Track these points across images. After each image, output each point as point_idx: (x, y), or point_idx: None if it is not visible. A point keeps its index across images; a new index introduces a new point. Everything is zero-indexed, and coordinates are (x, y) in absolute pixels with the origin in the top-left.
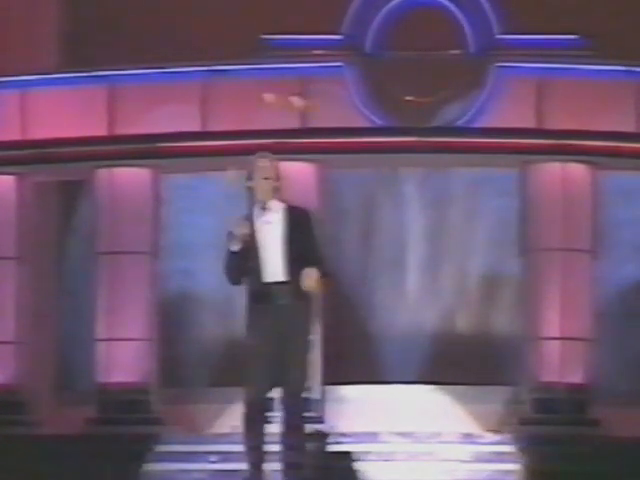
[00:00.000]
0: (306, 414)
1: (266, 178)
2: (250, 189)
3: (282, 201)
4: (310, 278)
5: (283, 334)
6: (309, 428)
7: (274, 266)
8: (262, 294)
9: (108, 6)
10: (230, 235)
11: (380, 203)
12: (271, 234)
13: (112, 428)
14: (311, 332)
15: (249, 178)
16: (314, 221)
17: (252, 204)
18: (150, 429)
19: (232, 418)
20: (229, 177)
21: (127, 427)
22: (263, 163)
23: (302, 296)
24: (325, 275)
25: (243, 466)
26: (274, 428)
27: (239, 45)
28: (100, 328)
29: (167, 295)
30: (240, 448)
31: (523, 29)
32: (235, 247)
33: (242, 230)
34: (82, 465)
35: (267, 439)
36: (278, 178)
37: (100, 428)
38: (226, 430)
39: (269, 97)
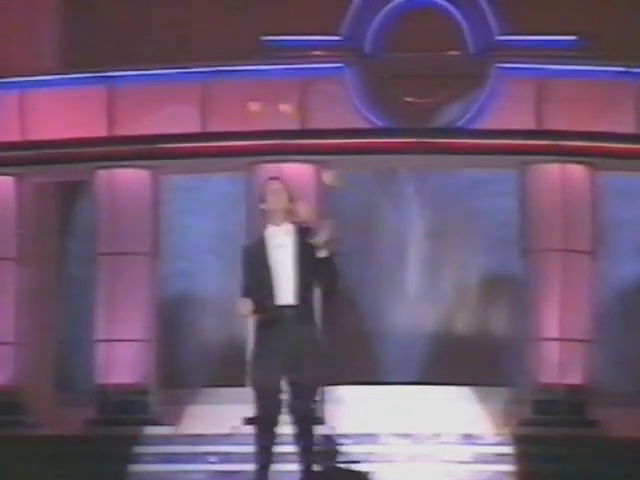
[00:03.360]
0: (315, 417)
1: (279, 201)
2: (262, 212)
3: (294, 223)
4: (321, 234)
5: (293, 356)
6: (316, 430)
7: (285, 289)
8: (273, 317)
9: (108, 7)
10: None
11: (380, 204)
12: (283, 257)
13: (111, 429)
14: (320, 353)
15: (261, 201)
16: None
17: (265, 226)
18: (149, 430)
19: (232, 419)
20: (330, 177)
21: (126, 428)
22: (275, 185)
23: (311, 319)
24: (335, 287)
25: (244, 467)
26: (285, 430)
27: (239, 46)
28: (100, 329)
29: (167, 296)
30: (240, 449)
31: (522, 30)
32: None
33: (245, 311)
34: (81, 466)
35: (277, 441)
36: (291, 200)
37: (99, 429)
38: (226, 431)
39: (254, 106)
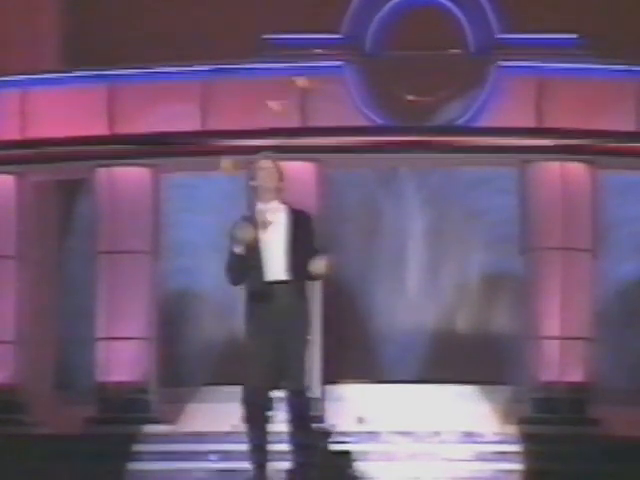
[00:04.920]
0: (311, 413)
1: (269, 179)
2: (253, 189)
3: (284, 202)
4: (320, 263)
5: (282, 333)
6: (314, 427)
7: (276, 265)
8: (263, 293)
9: (108, 6)
10: (234, 237)
11: (380, 202)
12: (273, 234)
13: (112, 427)
14: (310, 331)
15: (252, 178)
16: (314, 224)
17: (254, 204)
18: (150, 428)
19: (232, 417)
20: (225, 164)
21: (127, 426)
22: (266, 164)
23: (302, 296)
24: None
25: (243, 465)
26: (279, 427)
27: (240, 44)
28: (100, 327)
29: (167, 294)
30: (240, 447)
31: (523, 28)
32: (239, 250)
33: (248, 235)
34: (82, 464)
35: (270, 438)
36: (281, 179)
37: (100, 427)
38: (226, 429)
39: (273, 105)
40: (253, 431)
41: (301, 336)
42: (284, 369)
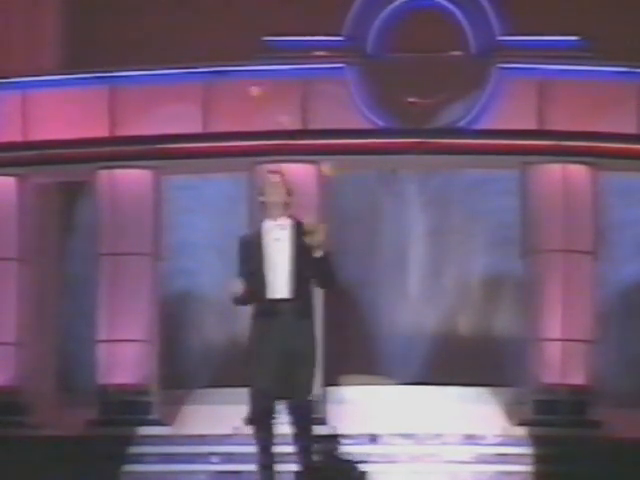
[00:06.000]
0: (313, 416)
1: (277, 195)
2: (261, 204)
3: (291, 217)
4: (310, 229)
5: (288, 350)
6: (316, 430)
7: (281, 283)
8: (268, 310)
9: (109, 7)
10: (228, 291)
11: (382, 204)
12: (279, 251)
13: (113, 429)
14: (316, 349)
15: (260, 193)
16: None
17: (262, 219)
18: (151, 430)
19: (233, 419)
20: (325, 170)
21: (128, 428)
22: (275, 179)
23: (307, 314)
24: (333, 284)
25: (245, 467)
26: (284, 430)
27: (240, 46)
28: (101, 329)
29: (169, 296)
30: (241, 449)
31: (524, 30)
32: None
33: (237, 289)
34: (83, 467)
35: (276, 440)
36: (289, 194)
37: (101, 429)
38: (228, 431)
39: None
40: (259, 433)
41: (307, 354)
42: (290, 383)
